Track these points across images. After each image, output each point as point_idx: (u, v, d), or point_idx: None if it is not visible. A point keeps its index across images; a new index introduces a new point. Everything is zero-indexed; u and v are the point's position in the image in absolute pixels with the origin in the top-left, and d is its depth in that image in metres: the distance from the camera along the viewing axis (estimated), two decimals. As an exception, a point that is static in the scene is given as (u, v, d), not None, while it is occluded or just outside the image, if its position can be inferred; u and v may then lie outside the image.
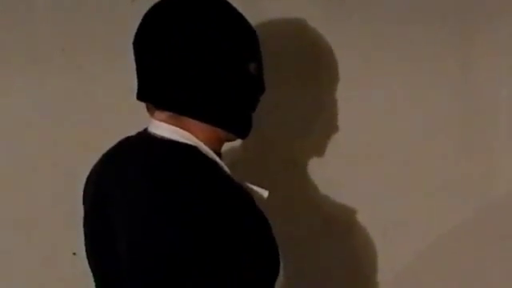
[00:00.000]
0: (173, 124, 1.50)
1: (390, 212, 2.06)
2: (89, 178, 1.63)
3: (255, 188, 1.53)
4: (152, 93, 1.52)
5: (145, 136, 1.54)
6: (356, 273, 2.10)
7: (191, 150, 1.48)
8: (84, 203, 1.63)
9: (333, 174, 2.09)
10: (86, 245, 1.62)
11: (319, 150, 2.02)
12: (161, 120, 1.52)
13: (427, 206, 2.05)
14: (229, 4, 1.60)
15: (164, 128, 1.50)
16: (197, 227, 1.37)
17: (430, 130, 2.03)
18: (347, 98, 2.03)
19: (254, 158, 1.84)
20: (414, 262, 2.08)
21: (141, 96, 1.52)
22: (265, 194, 1.54)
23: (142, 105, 1.56)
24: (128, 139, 1.59)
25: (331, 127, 1.95)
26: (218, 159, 1.50)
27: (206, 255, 1.37)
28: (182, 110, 1.50)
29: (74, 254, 1.84)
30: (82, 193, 1.63)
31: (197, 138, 1.49)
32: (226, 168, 1.50)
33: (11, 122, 2.20)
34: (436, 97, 2.02)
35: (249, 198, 1.45)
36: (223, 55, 1.52)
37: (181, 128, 1.49)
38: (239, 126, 1.56)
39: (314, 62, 1.99)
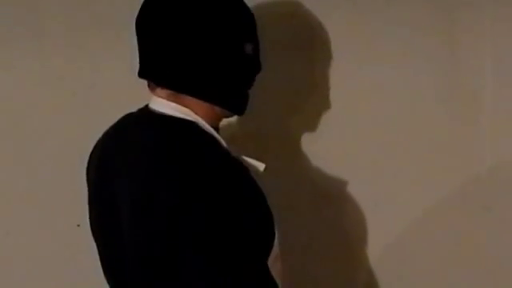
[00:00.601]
0: (173, 101, 1.53)
1: (382, 184, 2.07)
2: (93, 152, 1.66)
3: (252, 161, 1.57)
4: (152, 71, 1.56)
5: (145, 112, 1.58)
6: (347, 244, 2.11)
7: (190, 124, 1.51)
8: (88, 176, 1.67)
9: (325, 147, 2.09)
10: (90, 217, 1.66)
11: (312, 125, 2.03)
12: (161, 97, 1.55)
13: (416, 179, 2.06)
14: None
15: (164, 105, 1.54)
16: (195, 193, 1.41)
17: (418, 105, 2.03)
18: (339, 74, 2.03)
19: (249, 132, 1.86)
20: (404, 232, 2.10)
21: (142, 74, 1.57)
22: (261, 167, 1.58)
23: (144, 82, 1.59)
24: (130, 115, 1.62)
25: (323, 103, 1.96)
26: (215, 134, 1.54)
27: (205, 219, 1.41)
28: (180, 87, 1.53)
29: (79, 225, 1.84)
30: (85, 166, 1.67)
31: (196, 114, 1.53)
32: (223, 142, 1.53)
33: (15, 97, 2.22)
34: (423, 73, 2.02)
35: (245, 169, 1.50)
36: (220, 35, 1.55)
37: (180, 105, 1.53)
38: (235, 103, 1.60)
39: (308, 39, 2.01)
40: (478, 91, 2.01)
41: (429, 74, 2.02)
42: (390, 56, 2.02)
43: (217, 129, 1.59)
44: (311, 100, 1.84)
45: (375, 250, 2.10)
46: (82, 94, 2.17)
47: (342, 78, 2.04)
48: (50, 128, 2.23)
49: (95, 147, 1.67)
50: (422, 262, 2.11)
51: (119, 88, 2.08)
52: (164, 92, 1.55)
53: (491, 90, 2.01)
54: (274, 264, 1.56)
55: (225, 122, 1.66)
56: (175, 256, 1.44)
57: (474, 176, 2.04)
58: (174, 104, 1.54)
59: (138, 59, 1.60)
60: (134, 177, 1.50)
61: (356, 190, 2.10)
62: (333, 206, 2.14)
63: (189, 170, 1.43)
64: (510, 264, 2.06)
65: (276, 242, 1.56)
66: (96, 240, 1.66)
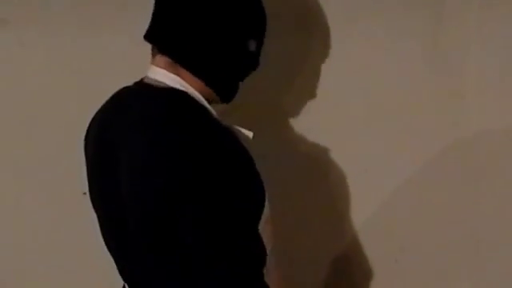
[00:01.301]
0: (170, 72, 1.58)
1: (371, 151, 2.11)
2: (90, 125, 1.70)
3: (241, 129, 1.62)
4: (159, 37, 1.61)
5: (141, 85, 1.62)
6: (337, 209, 2.16)
7: (184, 95, 1.57)
8: (86, 149, 1.72)
9: (316, 119, 2.12)
10: (90, 189, 1.71)
11: (302, 98, 2.08)
12: (159, 66, 1.59)
13: (404, 147, 2.10)
14: None
15: (161, 73, 1.59)
16: (192, 160, 1.45)
17: (404, 77, 2.07)
18: (327, 49, 2.06)
19: (241, 104, 1.88)
20: (393, 197, 2.15)
21: (148, 37, 1.62)
22: (250, 135, 1.63)
23: (143, 58, 1.65)
24: (126, 88, 1.67)
25: (313, 76, 2.00)
26: (207, 105, 1.59)
27: (196, 186, 1.45)
28: (180, 58, 1.58)
29: (85, 193, 1.84)
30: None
31: (190, 86, 1.58)
32: (214, 113, 1.58)
33: (22, 70, 2.26)
34: (410, 46, 2.05)
35: (234, 136, 1.55)
36: (229, 25, 1.60)
37: (177, 76, 1.58)
38: (225, 90, 1.66)
39: (301, 14, 2.03)
40: (464, 64, 2.04)
41: (416, 47, 2.04)
42: (377, 30, 2.05)
43: (209, 102, 1.62)
44: (301, 74, 1.85)
45: (364, 214, 2.16)
46: (87, 72, 2.20)
47: (330, 52, 2.05)
48: (57, 98, 2.26)
49: (93, 120, 1.70)
50: (410, 225, 2.15)
51: (124, 66, 2.09)
52: (163, 61, 1.59)
53: (476, 62, 2.04)
54: (265, 227, 1.61)
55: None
56: (173, 221, 1.47)
57: (460, 144, 2.08)
58: (171, 74, 1.58)
59: (139, 35, 1.65)
60: (132, 148, 1.53)
61: (346, 157, 2.14)
62: (323, 172, 2.17)
63: (185, 139, 1.46)
64: (493, 223, 2.11)
65: (266, 204, 1.60)
66: (96, 211, 1.70)
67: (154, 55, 1.62)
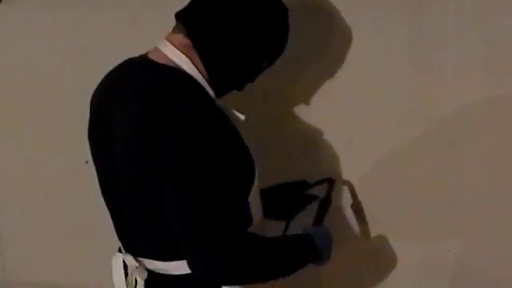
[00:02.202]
0: (183, 53, 1.63)
1: (356, 123, 2.13)
2: (95, 92, 1.75)
3: (234, 111, 1.70)
4: (192, 21, 1.65)
5: (145, 59, 1.66)
6: (325, 175, 2.11)
7: (184, 74, 1.61)
8: (90, 113, 1.75)
9: (303, 91, 2.15)
10: (91, 149, 1.76)
11: (290, 77, 2.11)
12: (173, 44, 1.64)
13: (386, 119, 2.11)
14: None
15: (172, 51, 1.64)
16: (180, 130, 1.51)
17: (387, 53, 2.07)
18: (313, 26, 2.08)
19: None
20: (376, 167, 2.16)
21: (181, 17, 1.67)
22: (242, 117, 1.70)
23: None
24: (130, 60, 1.72)
25: (300, 52, 1.99)
26: (206, 85, 1.64)
27: (191, 156, 1.51)
28: (201, 46, 1.63)
29: (87, 162, 1.88)
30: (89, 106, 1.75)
31: (194, 66, 1.63)
32: (212, 93, 1.65)
33: (27, 47, 2.30)
34: (391, 22, 2.05)
35: (226, 116, 1.61)
36: (256, 44, 1.67)
37: (188, 58, 1.63)
38: (220, 90, 1.70)
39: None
40: (442, 39, 2.04)
41: (396, 23, 2.05)
42: (359, 6, 2.04)
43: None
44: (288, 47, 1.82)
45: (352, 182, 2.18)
46: (90, 47, 2.24)
47: (316, 29, 2.08)
48: (60, 77, 2.30)
49: (98, 87, 1.75)
50: (392, 195, 2.17)
51: (124, 40, 2.15)
52: (182, 42, 1.64)
53: (454, 37, 2.03)
54: (255, 198, 1.71)
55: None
56: (161, 185, 1.53)
57: (439, 116, 2.09)
58: (182, 54, 1.63)
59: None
60: (129, 117, 1.59)
61: (332, 129, 2.16)
62: (310, 144, 2.19)
63: (181, 110, 1.52)
64: (470, 192, 2.12)
65: (257, 177, 1.67)
66: (98, 173, 1.76)
67: (175, 32, 1.67)
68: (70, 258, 2.47)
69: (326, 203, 2.01)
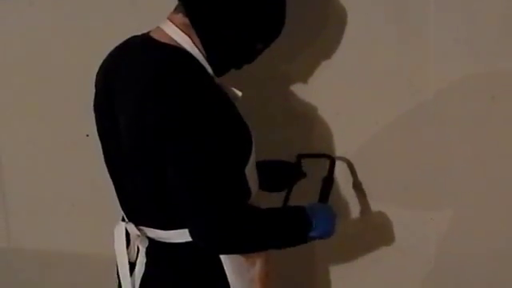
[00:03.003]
0: (183, 31, 1.66)
1: (341, 98, 2.16)
2: (100, 68, 1.78)
3: (232, 88, 1.74)
4: (192, 1, 1.66)
5: (148, 38, 1.69)
6: (313, 148, 2.18)
7: (185, 52, 1.65)
8: (95, 89, 1.78)
9: (291, 70, 2.20)
10: (96, 120, 1.79)
11: (279, 52, 2.03)
12: (175, 23, 1.67)
13: (371, 94, 2.14)
14: None
15: (173, 29, 1.67)
16: (183, 106, 1.54)
17: (369, 28, 2.10)
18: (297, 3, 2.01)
19: None
20: (361, 139, 2.20)
21: None
22: (239, 93, 1.75)
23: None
24: (134, 38, 1.75)
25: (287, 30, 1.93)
26: (205, 63, 1.67)
27: (184, 125, 1.54)
28: (198, 25, 1.65)
29: (88, 135, 1.95)
30: (93, 82, 1.78)
31: (194, 45, 1.66)
32: (210, 71, 1.68)
33: (32, 27, 2.38)
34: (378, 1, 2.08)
35: (225, 92, 1.67)
36: (251, 25, 1.68)
37: (188, 36, 1.66)
38: (218, 69, 1.72)
39: None
40: (425, 15, 2.05)
41: (383, 2, 2.07)
42: None
43: None
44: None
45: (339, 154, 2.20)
46: (91, 28, 2.29)
47: (308, 10, 2.12)
48: (64, 56, 2.36)
49: (102, 63, 1.78)
50: (377, 166, 2.21)
51: (124, 19, 2.19)
52: (182, 21, 1.66)
53: (436, 12, 2.04)
54: (252, 171, 1.75)
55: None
56: (161, 155, 1.57)
57: (421, 91, 2.11)
58: (182, 33, 1.66)
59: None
60: (132, 93, 1.62)
61: (320, 104, 2.20)
62: (299, 119, 2.24)
63: (181, 84, 1.56)
64: (454, 163, 2.14)
65: (253, 152, 1.71)
66: (102, 143, 1.79)
67: (175, 12, 1.69)
68: (72, 228, 2.53)
69: (328, 182, 2.03)
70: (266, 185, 1.95)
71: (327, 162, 2.08)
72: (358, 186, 2.25)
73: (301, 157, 2.11)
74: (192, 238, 1.60)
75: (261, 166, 1.85)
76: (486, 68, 2.06)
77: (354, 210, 2.29)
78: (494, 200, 2.15)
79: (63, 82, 2.36)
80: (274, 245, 1.74)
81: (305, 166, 2.11)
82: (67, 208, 2.52)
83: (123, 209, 1.83)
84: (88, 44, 2.25)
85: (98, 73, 1.79)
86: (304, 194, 2.00)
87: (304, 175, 2.11)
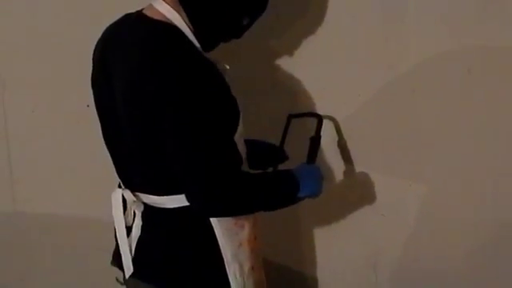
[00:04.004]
0: (173, 9, 1.70)
1: (328, 70, 2.20)
2: (97, 44, 1.82)
3: (220, 62, 1.76)
4: None
5: (141, 15, 1.73)
6: (300, 124, 2.18)
7: (175, 29, 1.69)
8: (93, 63, 1.83)
9: (280, 45, 2.25)
10: (94, 96, 1.84)
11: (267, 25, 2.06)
12: (166, 2, 1.71)
13: (355, 66, 2.19)
14: None
15: (164, 7, 1.71)
16: (173, 75, 1.59)
17: (356, 8, 2.14)
18: None
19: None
20: (347, 107, 2.24)
21: None
22: (227, 67, 1.78)
23: None
24: (128, 16, 1.79)
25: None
26: (194, 39, 1.71)
27: (178, 97, 1.59)
28: (185, 2, 1.70)
29: (88, 106, 1.93)
30: (90, 57, 1.83)
31: (183, 21, 1.70)
32: (198, 45, 1.72)
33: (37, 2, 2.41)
34: None
35: (214, 66, 1.69)
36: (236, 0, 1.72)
37: (178, 13, 1.70)
38: (206, 44, 1.75)
39: None
40: None
41: None
42: None
43: None
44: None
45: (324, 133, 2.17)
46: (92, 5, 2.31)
47: None
48: (66, 30, 2.38)
49: (100, 39, 1.82)
50: (358, 136, 2.27)
51: None
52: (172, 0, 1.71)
53: None
54: (240, 140, 1.78)
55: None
56: (157, 126, 1.61)
57: (401, 65, 2.14)
58: (172, 10, 1.70)
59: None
60: (128, 67, 1.67)
61: (307, 78, 2.26)
62: (285, 92, 2.29)
63: (174, 60, 1.60)
64: (427, 128, 2.18)
65: (241, 121, 1.75)
66: (99, 116, 1.84)
67: None
68: (74, 193, 2.57)
69: (316, 141, 2.06)
70: (251, 164, 1.98)
71: (315, 123, 2.11)
72: (343, 146, 2.28)
73: (291, 117, 2.15)
74: (189, 202, 1.66)
75: (247, 146, 1.90)
76: (462, 42, 2.09)
77: (338, 172, 2.33)
78: (469, 169, 2.19)
79: (66, 57, 2.40)
80: (265, 206, 1.81)
81: (293, 127, 2.16)
82: (69, 175, 2.56)
83: (119, 176, 1.88)
84: (89, 17, 2.26)
85: (95, 48, 1.83)
86: (294, 155, 2.07)
87: (287, 158, 2.15)
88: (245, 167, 1.88)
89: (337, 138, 2.28)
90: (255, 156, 2.02)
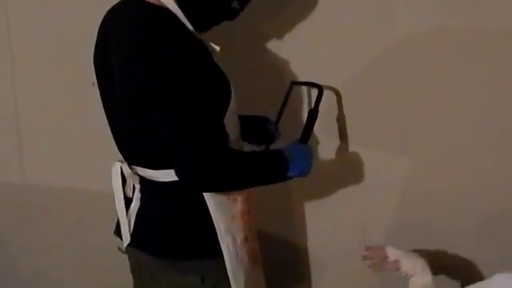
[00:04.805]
0: None
1: (317, 51, 2.25)
2: (99, 27, 1.88)
3: (211, 43, 1.81)
4: None
5: (136, 0, 1.77)
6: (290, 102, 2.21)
7: (168, 11, 1.73)
8: (95, 44, 1.88)
9: (273, 25, 2.28)
10: (96, 76, 1.88)
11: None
12: None
13: (343, 46, 2.23)
14: None
15: None
16: (165, 55, 1.62)
17: None
18: None
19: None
20: (335, 82, 2.25)
21: None
22: (217, 48, 1.81)
23: None
24: (125, 1, 1.84)
25: None
26: (186, 21, 1.74)
27: (173, 77, 1.63)
28: None
29: (93, 84, 1.95)
30: (94, 36, 1.88)
31: (176, 5, 1.73)
32: (190, 27, 1.75)
33: None
34: None
35: (205, 47, 1.75)
36: None
37: None
38: (199, 27, 1.78)
39: None
40: None
41: None
42: None
43: None
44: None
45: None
46: None
47: None
48: (73, 2, 2.43)
49: (101, 22, 1.86)
50: (348, 112, 2.30)
51: None
52: None
53: None
54: (233, 117, 1.83)
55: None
56: (150, 106, 1.66)
57: (390, 43, 2.17)
58: None
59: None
60: (124, 48, 1.71)
61: (297, 58, 2.29)
62: (276, 73, 2.31)
63: (166, 40, 1.65)
64: (414, 104, 2.20)
65: (233, 99, 1.79)
66: (101, 94, 1.89)
67: None
68: (78, 166, 2.63)
69: (314, 114, 2.03)
70: (246, 138, 2.03)
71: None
72: (341, 120, 2.29)
73: (293, 84, 2.16)
74: (178, 177, 1.71)
75: (243, 122, 1.92)
76: (450, 21, 2.11)
77: (331, 146, 2.35)
78: (455, 143, 2.22)
79: (74, 36, 2.43)
80: (254, 183, 1.83)
81: (293, 95, 2.19)
82: (75, 148, 2.61)
83: (120, 150, 1.92)
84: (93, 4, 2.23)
85: (98, 31, 1.88)
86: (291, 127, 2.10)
87: (278, 137, 2.16)
88: (240, 143, 1.93)
89: (336, 112, 2.29)
90: (248, 133, 2.05)
